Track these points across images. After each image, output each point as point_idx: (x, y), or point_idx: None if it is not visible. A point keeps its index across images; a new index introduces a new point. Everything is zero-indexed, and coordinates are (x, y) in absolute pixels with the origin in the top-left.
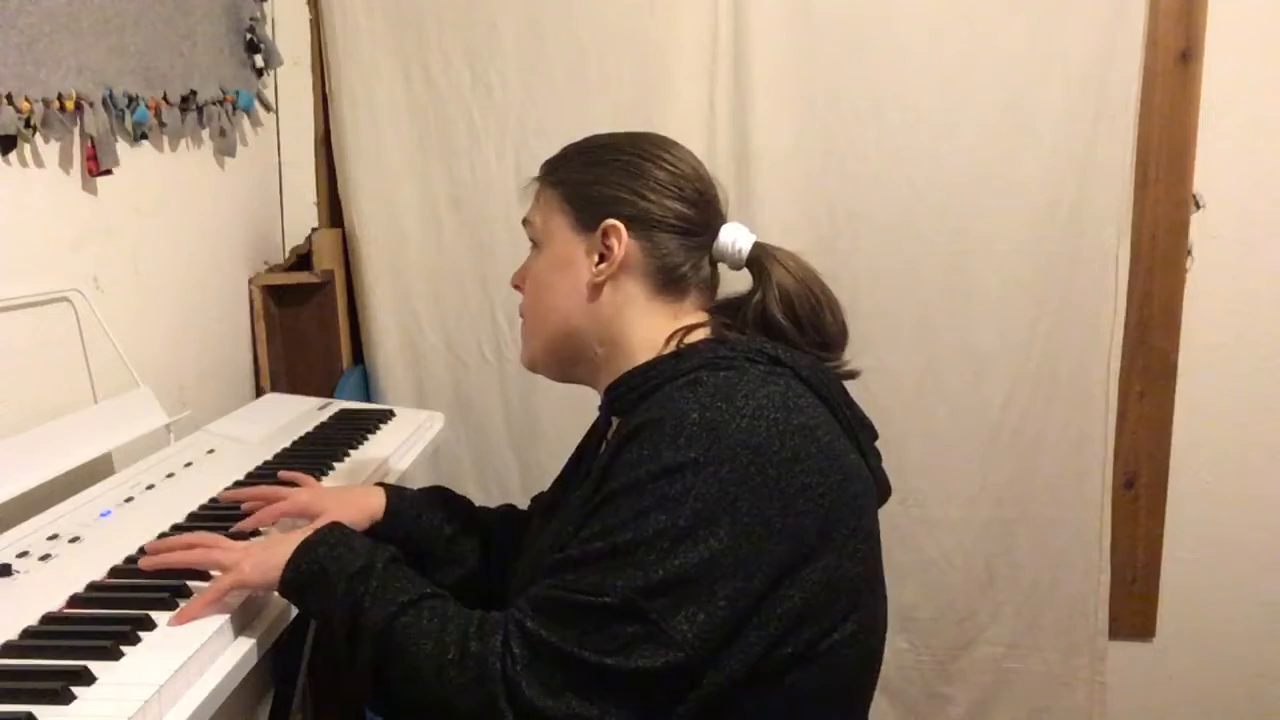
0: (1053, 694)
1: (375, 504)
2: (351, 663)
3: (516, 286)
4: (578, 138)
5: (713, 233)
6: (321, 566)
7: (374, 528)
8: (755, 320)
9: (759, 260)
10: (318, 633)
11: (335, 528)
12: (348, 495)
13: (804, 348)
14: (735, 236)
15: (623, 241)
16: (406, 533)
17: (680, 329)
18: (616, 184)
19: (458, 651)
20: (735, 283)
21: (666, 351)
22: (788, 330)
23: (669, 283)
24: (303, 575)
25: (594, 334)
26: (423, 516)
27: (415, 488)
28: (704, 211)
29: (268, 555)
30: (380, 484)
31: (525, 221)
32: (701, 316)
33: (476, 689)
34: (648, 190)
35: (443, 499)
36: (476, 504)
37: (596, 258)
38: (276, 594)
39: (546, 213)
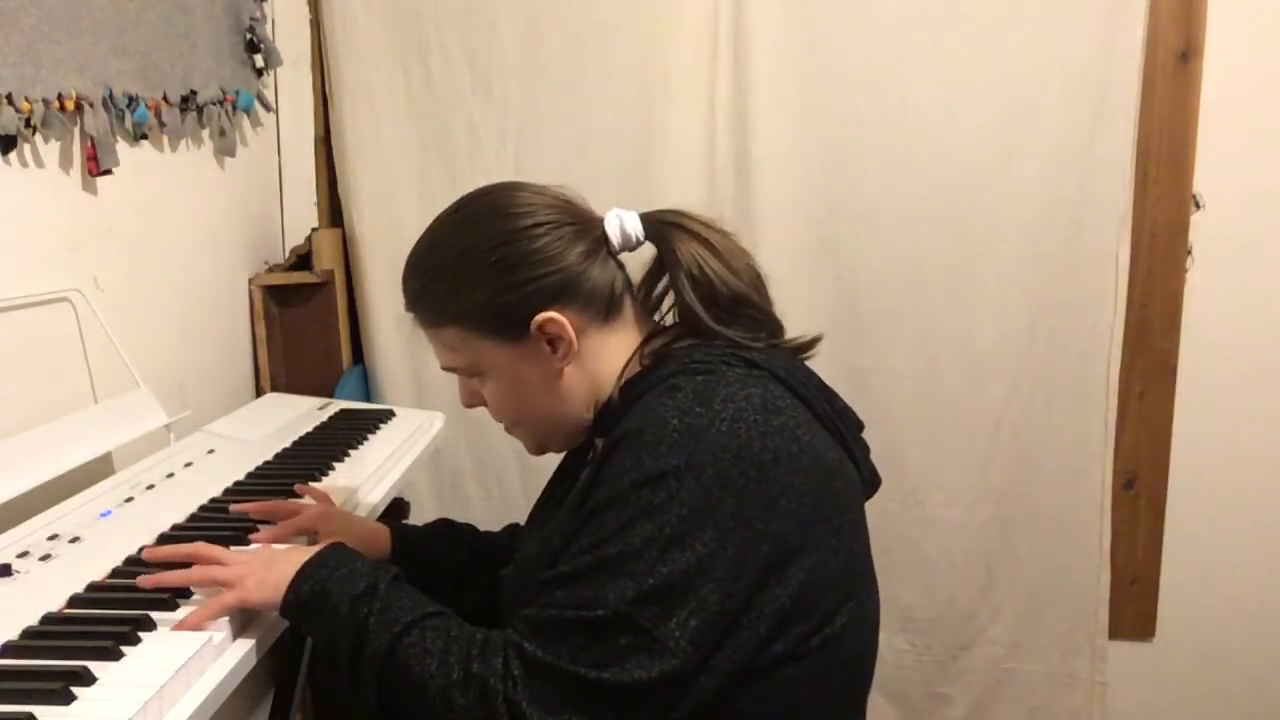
0: (1053, 694)
1: (381, 545)
2: (356, 683)
3: (472, 405)
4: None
5: (604, 240)
6: (324, 588)
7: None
8: (699, 297)
9: (658, 234)
10: (315, 650)
11: (337, 548)
12: (358, 526)
13: (720, 327)
14: (619, 226)
15: (564, 323)
16: (416, 571)
17: (641, 344)
18: (513, 285)
19: (461, 672)
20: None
21: (641, 366)
22: (703, 306)
23: (609, 311)
24: (304, 597)
25: (582, 403)
26: (431, 553)
27: (418, 507)
28: (585, 234)
29: (270, 574)
30: (384, 521)
31: (448, 369)
32: (646, 319)
33: (479, 710)
34: (539, 267)
35: (449, 533)
36: (481, 509)
37: (547, 349)
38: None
39: (465, 350)
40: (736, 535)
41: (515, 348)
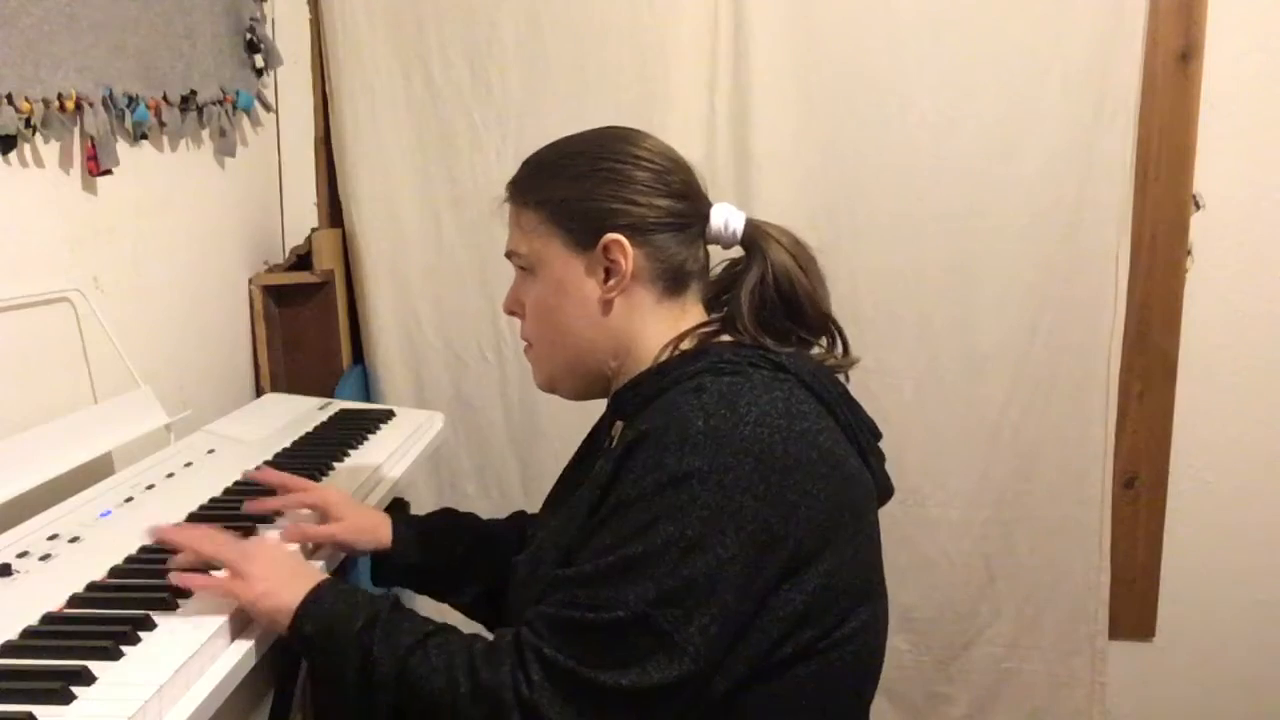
0: (1053, 694)
1: (384, 534)
2: (370, 712)
3: (512, 312)
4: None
5: (704, 218)
6: (328, 625)
7: (384, 556)
8: (751, 302)
9: (753, 239)
10: (312, 676)
11: (333, 584)
12: (362, 513)
13: (789, 330)
14: (726, 218)
15: (628, 254)
16: (418, 560)
17: (682, 333)
18: (605, 195)
19: (469, 684)
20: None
21: (671, 355)
22: (779, 311)
23: (674, 281)
24: (309, 633)
25: (608, 349)
26: (432, 541)
27: (418, 507)
28: (693, 201)
29: (278, 601)
30: (388, 511)
31: (510, 254)
32: (702, 312)
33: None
34: (637, 195)
35: (451, 521)
36: (481, 508)
37: (602, 274)
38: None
39: (534, 237)
40: (757, 540)
41: (576, 257)
